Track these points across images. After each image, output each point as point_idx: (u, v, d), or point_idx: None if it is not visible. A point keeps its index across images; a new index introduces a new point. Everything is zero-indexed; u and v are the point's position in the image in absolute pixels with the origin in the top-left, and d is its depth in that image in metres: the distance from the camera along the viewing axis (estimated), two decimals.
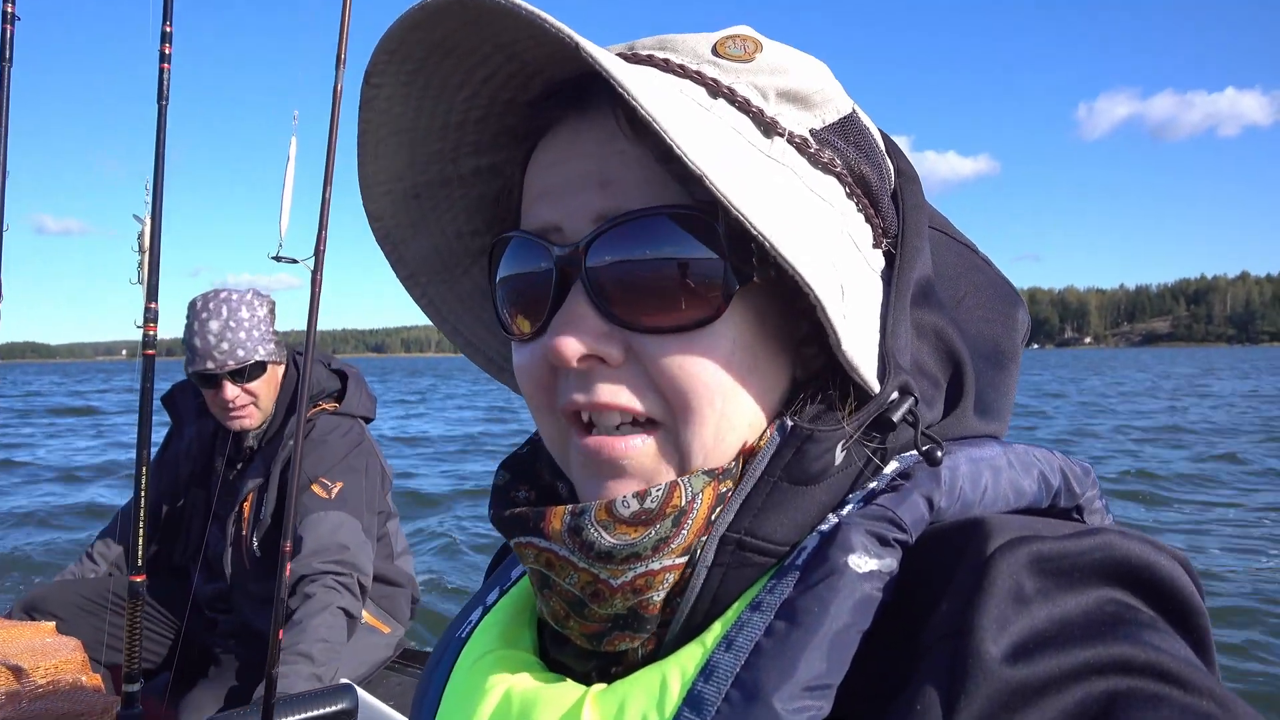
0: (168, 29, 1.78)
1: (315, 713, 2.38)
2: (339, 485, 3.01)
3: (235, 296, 2.99)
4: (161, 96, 1.77)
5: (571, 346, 0.64)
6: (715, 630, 0.62)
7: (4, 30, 1.62)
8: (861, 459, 0.66)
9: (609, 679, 0.67)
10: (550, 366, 0.68)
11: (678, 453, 0.66)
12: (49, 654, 2.39)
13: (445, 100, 0.69)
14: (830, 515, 0.64)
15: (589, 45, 0.58)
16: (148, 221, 1.86)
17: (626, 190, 0.64)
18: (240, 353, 2.93)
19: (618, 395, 0.65)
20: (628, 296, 0.64)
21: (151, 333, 1.85)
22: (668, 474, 0.66)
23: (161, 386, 2.79)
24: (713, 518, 0.65)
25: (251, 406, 3.04)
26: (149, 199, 1.81)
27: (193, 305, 3.01)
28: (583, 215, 0.65)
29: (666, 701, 0.60)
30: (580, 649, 0.70)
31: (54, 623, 2.77)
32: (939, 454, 0.64)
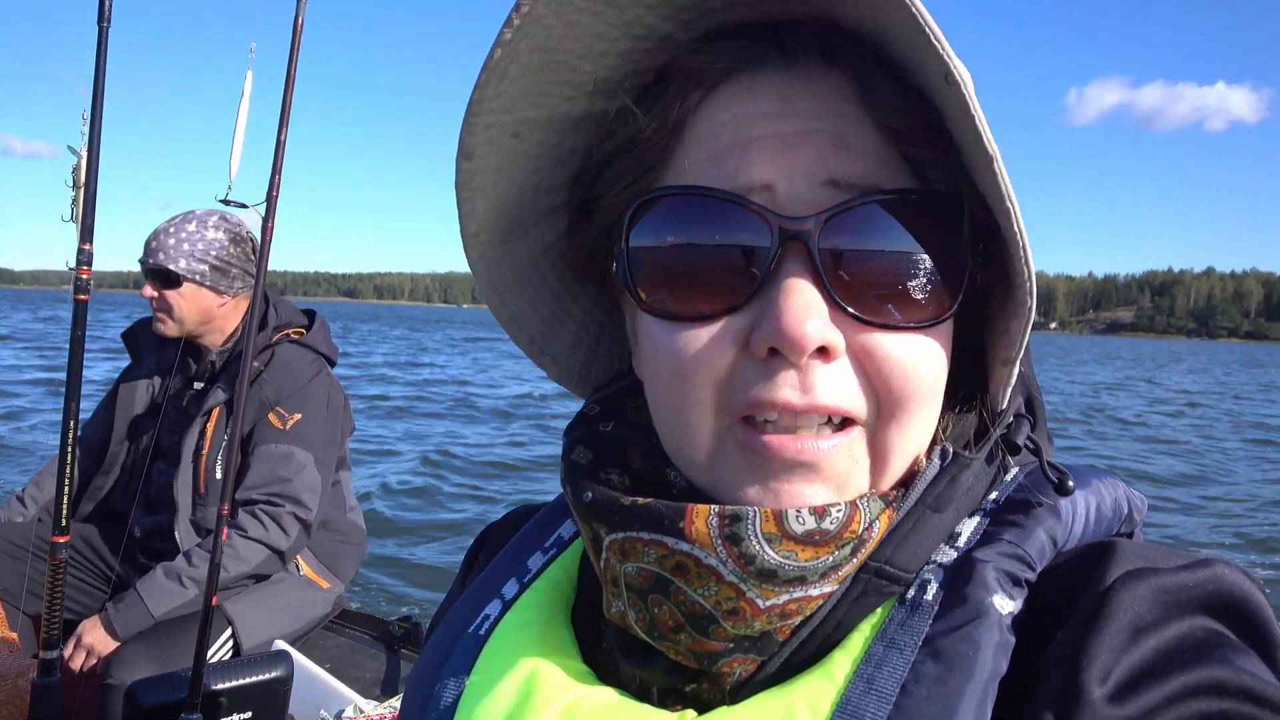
0: None
1: (249, 680, 2.30)
2: (295, 417, 2.99)
3: (199, 213, 3.06)
4: (103, 18, 1.59)
5: (812, 333, 0.55)
6: (841, 663, 0.58)
7: None
8: (982, 484, 0.64)
9: (685, 700, 0.62)
10: (740, 354, 0.59)
11: (875, 456, 0.60)
12: None
13: (606, 18, 0.58)
14: (944, 545, 0.61)
15: None
16: (84, 154, 1.70)
17: (865, 158, 0.57)
18: (161, 256, 2.99)
19: (839, 396, 0.57)
20: (866, 284, 0.57)
21: (85, 276, 1.70)
22: (861, 481, 0.60)
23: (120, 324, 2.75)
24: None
25: (164, 314, 3.07)
26: (86, 129, 1.65)
27: None
28: (810, 176, 0.57)
29: None
30: (672, 665, 0.62)
31: None
32: (1070, 484, 0.61)
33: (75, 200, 1.75)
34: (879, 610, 0.60)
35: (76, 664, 2.68)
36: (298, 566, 3.12)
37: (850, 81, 0.58)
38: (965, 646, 0.55)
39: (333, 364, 3.31)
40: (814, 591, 0.58)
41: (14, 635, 2.28)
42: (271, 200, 1.89)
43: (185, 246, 2.99)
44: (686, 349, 0.60)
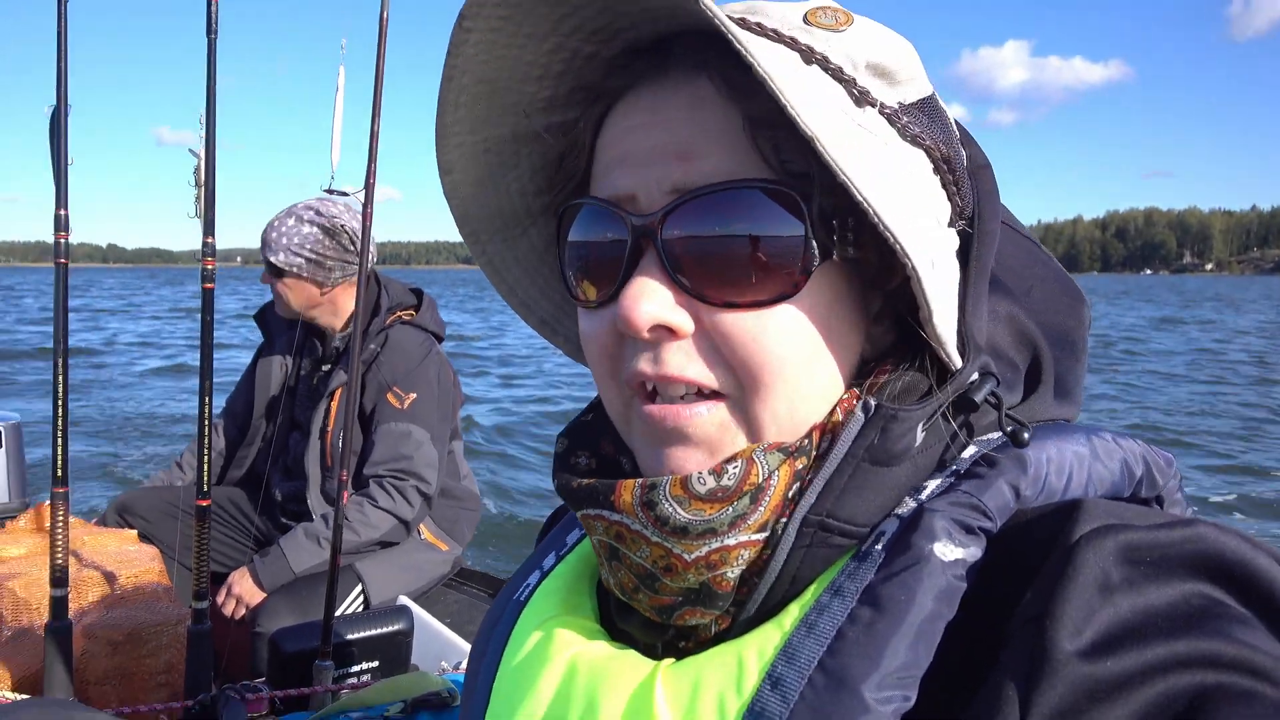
0: None
1: (372, 632, 2.50)
2: (411, 397, 3.16)
3: (299, 207, 3.27)
4: (210, 30, 1.75)
5: (643, 316, 0.63)
6: (793, 612, 0.62)
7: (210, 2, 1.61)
8: (941, 441, 0.65)
9: (677, 653, 0.68)
10: (618, 335, 0.68)
11: (745, 424, 0.66)
12: (131, 562, 2.55)
13: (531, 49, 0.68)
14: (908, 499, 0.64)
15: None
16: (202, 154, 1.87)
17: (706, 163, 0.63)
18: (268, 250, 3.23)
19: (686, 368, 0.65)
20: (703, 270, 0.64)
21: (210, 266, 1.88)
22: (733, 444, 0.66)
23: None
24: (789, 495, 0.64)
25: (278, 300, 3.33)
26: (202, 133, 1.83)
27: None
28: (659, 187, 0.65)
29: (745, 681, 0.60)
30: (647, 621, 0.70)
31: (136, 531, 2.96)
32: (1025, 435, 0.63)
33: (197, 198, 1.94)
34: (837, 564, 0.64)
35: (228, 610, 2.98)
36: (419, 532, 3.33)
37: (716, 81, 0.63)
38: (899, 592, 0.58)
39: (440, 340, 3.46)
40: (730, 541, 0.64)
41: (173, 587, 2.55)
42: (369, 188, 2.02)
43: (284, 241, 3.20)
44: (590, 332, 0.70)
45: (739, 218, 0.62)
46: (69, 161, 1.75)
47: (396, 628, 2.51)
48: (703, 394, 0.65)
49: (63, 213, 1.75)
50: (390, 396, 3.15)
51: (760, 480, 0.63)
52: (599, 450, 0.78)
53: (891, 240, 0.59)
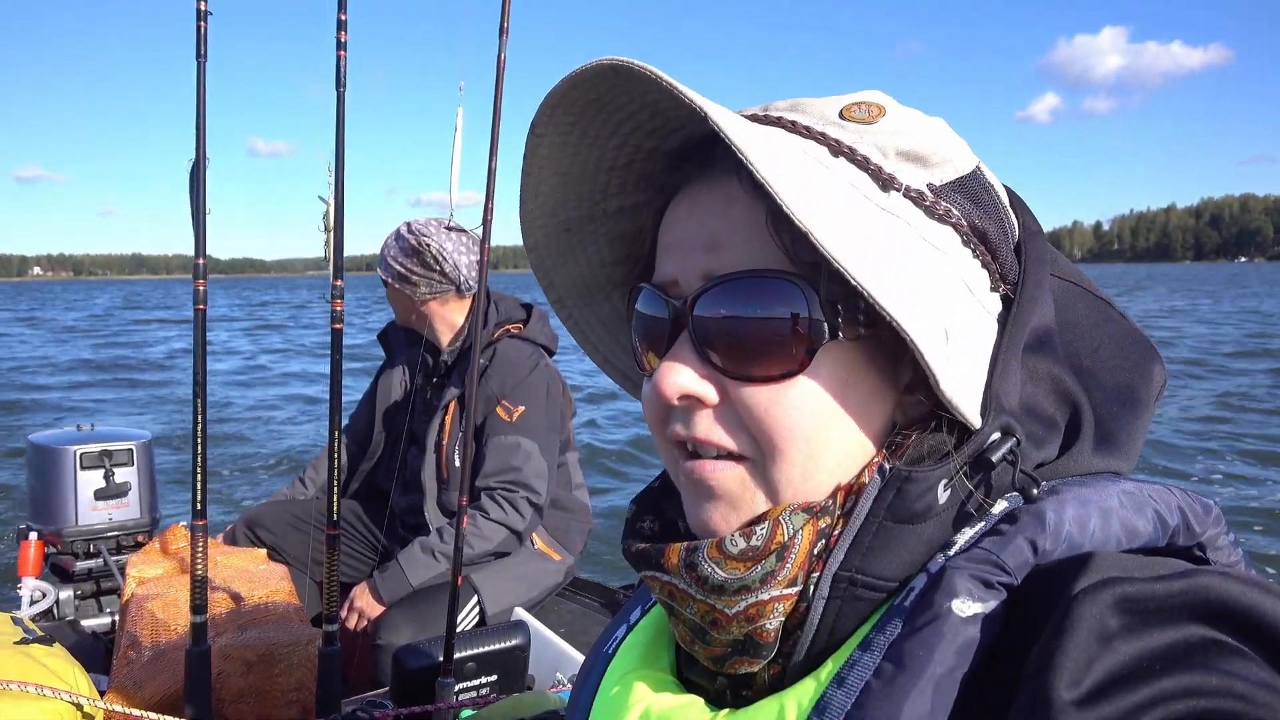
0: (342, 17, 1.81)
1: (491, 647, 2.56)
2: (520, 410, 3.23)
3: (401, 227, 3.42)
4: (339, 84, 1.81)
5: (671, 387, 0.72)
6: (829, 666, 0.67)
7: (199, 27, 1.69)
8: (957, 499, 0.69)
9: (741, 702, 0.74)
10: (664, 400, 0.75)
11: (765, 485, 0.72)
12: (262, 581, 2.65)
13: (598, 147, 0.78)
14: (940, 555, 0.67)
15: (714, 111, 0.64)
16: (331, 202, 1.94)
17: (732, 253, 0.71)
18: (379, 266, 3.46)
19: (711, 432, 0.72)
20: (724, 347, 0.71)
21: (338, 308, 1.94)
22: (754, 501, 0.72)
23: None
24: (816, 551, 0.70)
25: (400, 312, 3.52)
26: (331, 180, 1.88)
27: None
28: (694, 273, 0.73)
29: None
30: (707, 670, 0.77)
31: (265, 550, 3.09)
32: (1034, 491, 0.67)
33: (326, 243, 2.00)
34: (871, 619, 0.68)
35: (351, 624, 3.10)
36: (532, 542, 3.40)
37: (744, 181, 0.70)
38: (919, 648, 0.62)
39: (551, 353, 3.52)
40: (764, 596, 0.70)
41: (303, 607, 2.65)
42: (486, 224, 2.06)
43: (384, 255, 3.44)
44: (646, 396, 0.78)
45: (754, 303, 0.70)
46: (207, 211, 1.83)
47: (514, 642, 2.56)
48: (730, 456, 0.73)
49: (201, 261, 1.83)
50: (499, 409, 3.23)
51: (785, 539, 0.69)
52: (663, 515, 0.85)
53: (888, 317, 0.64)
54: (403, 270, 3.37)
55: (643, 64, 0.66)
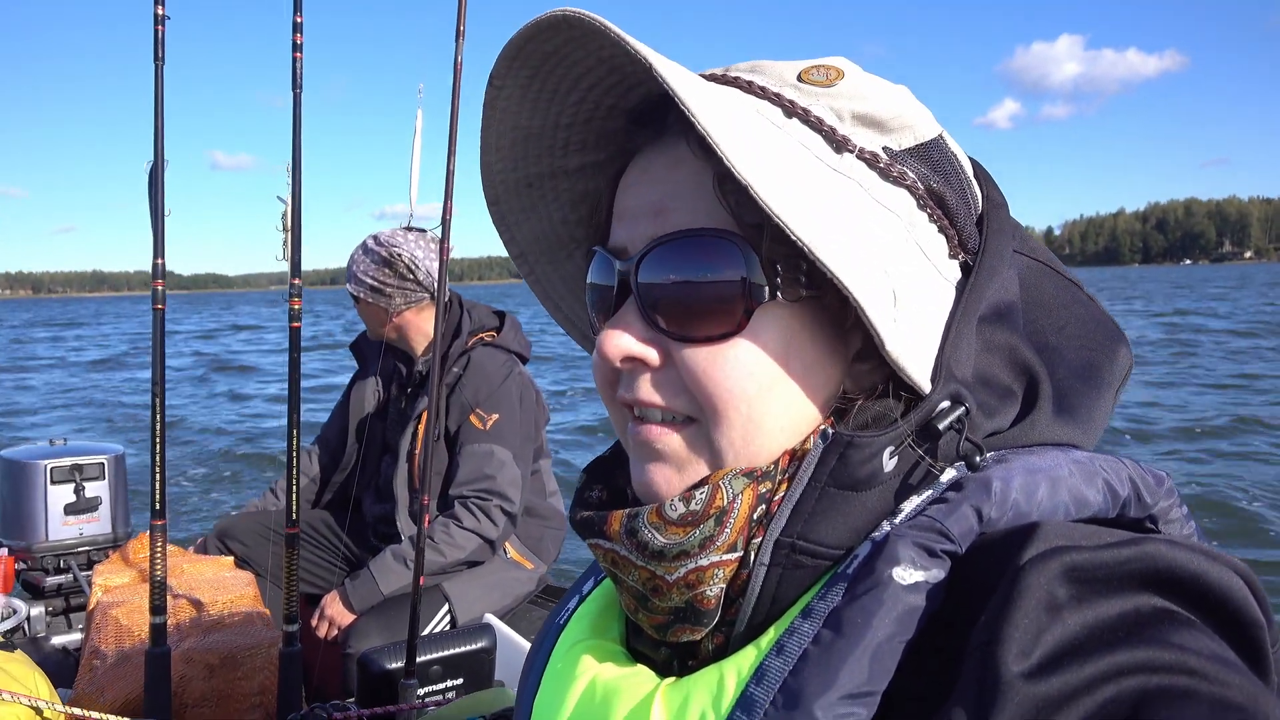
0: (298, 19, 1.85)
1: (456, 650, 2.56)
2: (494, 417, 3.25)
3: (369, 239, 3.45)
4: (295, 85, 1.85)
5: (614, 348, 0.72)
6: (770, 634, 0.67)
7: (156, 31, 1.73)
8: (917, 466, 0.69)
9: (685, 671, 0.73)
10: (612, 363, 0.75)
11: (708, 448, 0.72)
12: (226, 588, 2.66)
13: (557, 103, 0.78)
14: (885, 523, 0.67)
15: (661, 64, 0.64)
16: (289, 201, 1.97)
17: (677, 216, 0.71)
18: (347, 277, 3.49)
19: (654, 394, 0.73)
20: (666, 310, 0.71)
21: (297, 306, 1.97)
22: (699, 464, 0.72)
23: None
24: (755, 517, 0.69)
25: (373, 326, 3.54)
26: (289, 180, 1.92)
27: None
28: (640, 239, 0.73)
29: (723, 700, 0.65)
30: (652, 639, 0.77)
31: (233, 558, 3.10)
32: (978, 459, 0.67)
33: (285, 242, 2.04)
34: (814, 587, 0.68)
35: (321, 632, 3.09)
36: (505, 550, 3.40)
37: (691, 143, 0.70)
38: (858, 615, 0.61)
39: (525, 360, 3.54)
40: (703, 561, 0.69)
41: (267, 610, 2.65)
42: (445, 224, 2.10)
43: (353, 270, 3.46)
44: (595, 360, 0.78)
45: (693, 264, 0.70)
46: (166, 213, 1.86)
47: (479, 645, 2.57)
48: (675, 419, 0.73)
49: (160, 261, 1.86)
50: (473, 418, 3.24)
51: (725, 504, 0.69)
52: (613, 483, 0.85)
53: (828, 273, 0.63)
54: (375, 283, 3.38)
55: (593, 15, 0.66)
